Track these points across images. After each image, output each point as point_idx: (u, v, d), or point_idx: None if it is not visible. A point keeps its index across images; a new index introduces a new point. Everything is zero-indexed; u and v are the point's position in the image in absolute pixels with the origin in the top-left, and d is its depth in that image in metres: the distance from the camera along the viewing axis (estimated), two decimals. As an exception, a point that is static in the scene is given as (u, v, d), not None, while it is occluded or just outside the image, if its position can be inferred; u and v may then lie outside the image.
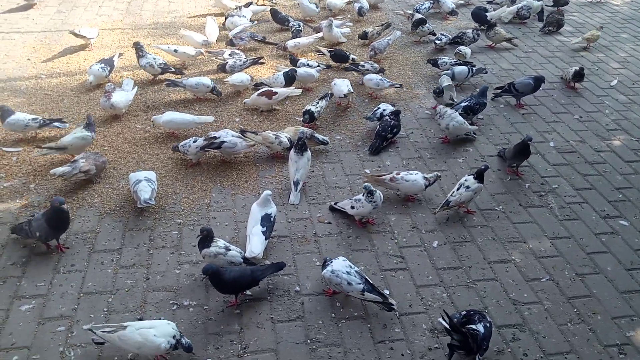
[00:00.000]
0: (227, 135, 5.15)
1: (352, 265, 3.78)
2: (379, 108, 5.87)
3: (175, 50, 6.84)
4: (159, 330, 3.22)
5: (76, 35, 7.20)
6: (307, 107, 5.75)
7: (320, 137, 5.48)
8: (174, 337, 3.21)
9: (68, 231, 4.29)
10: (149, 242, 4.24)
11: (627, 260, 4.37)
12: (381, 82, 6.38)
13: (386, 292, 3.92)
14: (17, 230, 4.12)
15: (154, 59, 6.41)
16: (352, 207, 4.46)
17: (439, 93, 6.07)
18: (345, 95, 6.13)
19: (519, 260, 4.30)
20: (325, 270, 3.75)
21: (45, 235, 4.04)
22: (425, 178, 4.75)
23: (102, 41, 7.53)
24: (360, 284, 3.65)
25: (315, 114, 5.70)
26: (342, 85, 6.17)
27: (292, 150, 4.87)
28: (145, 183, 4.49)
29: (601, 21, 9.35)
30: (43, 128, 5.36)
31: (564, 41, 8.46)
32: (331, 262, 3.77)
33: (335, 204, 4.65)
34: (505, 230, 4.59)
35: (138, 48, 6.36)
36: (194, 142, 5.00)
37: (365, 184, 4.42)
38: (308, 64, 6.68)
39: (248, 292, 3.83)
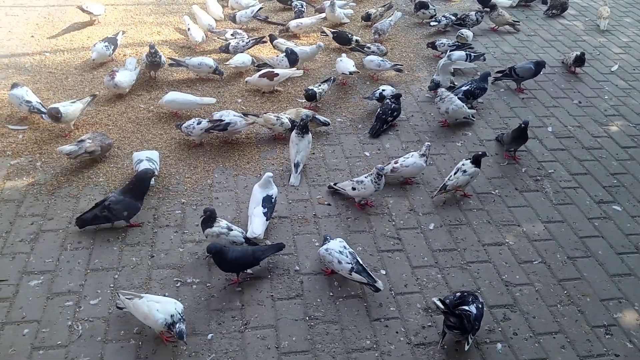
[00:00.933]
0: (229, 115, 5.23)
1: (347, 247, 3.91)
2: (378, 88, 5.95)
3: (189, 29, 6.85)
4: (162, 306, 3.35)
5: (83, 10, 7.21)
6: (310, 87, 5.81)
7: (322, 118, 5.55)
8: (171, 316, 3.29)
9: (74, 209, 4.43)
10: (153, 221, 4.36)
11: (618, 245, 4.49)
12: (382, 63, 6.42)
13: (382, 272, 4.06)
14: (89, 220, 4.16)
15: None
16: (353, 189, 4.56)
17: (434, 87, 6.09)
18: (351, 73, 6.20)
19: (513, 243, 4.42)
20: (320, 248, 3.91)
21: (134, 212, 4.22)
22: (422, 155, 4.85)
23: (105, 18, 7.54)
24: (349, 263, 3.79)
25: (317, 95, 5.76)
26: (348, 62, 6.26)
27: (294, 132, 4.96)
28: (146, 163, 4.59)
29: (609, 11, 9.27)
30: (32, 113, 5.33)
31: (567, 25, 8.45)
32: (329, 241, 3.91)
33: (335, 184, 4.75)
34: (500, 214, 4.71)
35: (154, 52, 6.02)
36: (198, 123, 5.07)
37: (379, 165, 4.49)
38: (284, 43, 6.71)
39: (249, 271, 3.96)
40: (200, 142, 5.24)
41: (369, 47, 6.76)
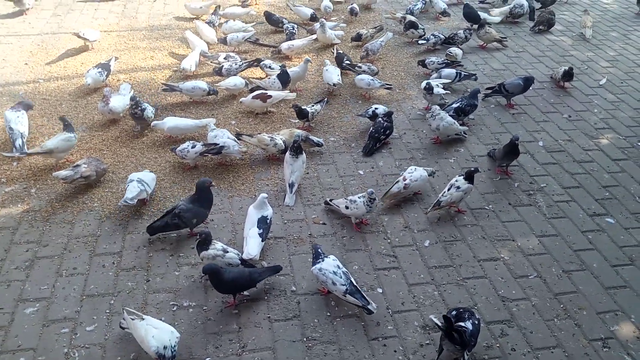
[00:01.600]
0: (224, 136, 5.26)
1: (341, 266, 3.91)
2: (371, 107, 6.03)
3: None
4: (158, 334, 3.33)
5: (79, 36, 7.31)
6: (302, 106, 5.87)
7: (315, 139, 5.60)
8: (164, 347, 3.27)
9: (69, 235, 4.43)
10: (148, 245, 4.36)
11: (612, 257, 4.51)
12: (372, 82, 6.51)
13: (379, 290, 4.06)
14: (160, 228, 4.34)
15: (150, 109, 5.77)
16: (347, 207, 4.59)
17: (429, 89, 6.16)
18: (334, 85, 6.42)
19: (508, 258, 4.44)
20: (314, 267, 3.90)
21: (202, 219, 4.47)
22: (424, 169, 5.02)
23: (98, 45, 7.60)
24: (344, 285, 3.77)
25: (309, 115, 5.82)
26: (333, 73, 6.50)
27: (288, 153, 4.99)
28: (135, 184, 4.60)
29: (591, 20, 9.46)
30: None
31: (554, 40, 8.59)
32: (322, 260, 3.90)
33: (331, 200, 4.78)
34: (494, 229, 4.73)
35: (134, 104, 5.56)
36: (193, 147, 5.10)
37: (370, 189, 4.51)
38: (271, 67, 6.79)
39: (246, 293, 3.95)
40: (194, 165, 5.26)
41: (359, 67, 6.85)
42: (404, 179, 4.89)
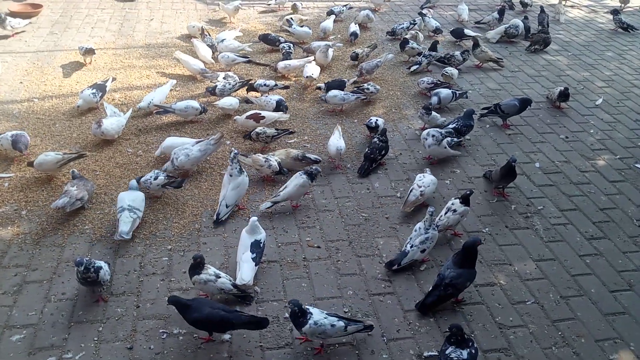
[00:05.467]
0: (192, 148, 5.28)
1: (323, 311, 3.68)
2: (371, 118, 6.11)
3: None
4: None
5: (82, 51, 7.40)
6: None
7: (313, 156, 5.56)
8: None
9: (59, 258, 4.35)
10: (139, 269, 4.29)
11: (610, 282, 4.45)
12: (346, 96, 6.52)
13: (374, 317, 3.99)
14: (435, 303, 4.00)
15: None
16: (423, 251, 4.39)
17: (428, 110, 6.15)
18: (307, 77, 7.01)
19: (505, 283, 4.37)
20: (306, 327, 3.54)
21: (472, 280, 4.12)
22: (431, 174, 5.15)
23: (94, 63, 7.59)
24: (340, 320, 3.62)
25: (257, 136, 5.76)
26: (309, 68, 7.11)
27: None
28: (127, 214, 4.49)
29: (587, 39, 9.53)
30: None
31: (550, 60, 8.61)
32: (310, 314, 3.58)
33: (399, 265, 4.36)
34: (491, 253, 4.67)
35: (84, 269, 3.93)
36: (155, 179, 4.89)
37: (430, 208, 4.40)
38: (265, 84, 6.78)
39: (225, 337, 3.75)
40: (160, 195, 5.06)
41: (367, 88, 6.83)
42: (420, 187, 4.96)
